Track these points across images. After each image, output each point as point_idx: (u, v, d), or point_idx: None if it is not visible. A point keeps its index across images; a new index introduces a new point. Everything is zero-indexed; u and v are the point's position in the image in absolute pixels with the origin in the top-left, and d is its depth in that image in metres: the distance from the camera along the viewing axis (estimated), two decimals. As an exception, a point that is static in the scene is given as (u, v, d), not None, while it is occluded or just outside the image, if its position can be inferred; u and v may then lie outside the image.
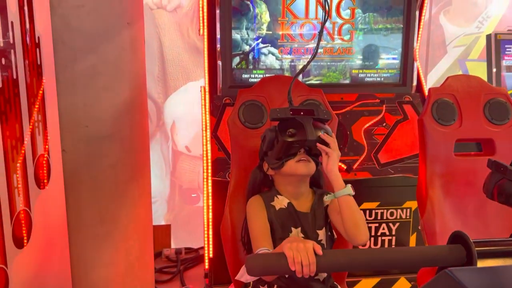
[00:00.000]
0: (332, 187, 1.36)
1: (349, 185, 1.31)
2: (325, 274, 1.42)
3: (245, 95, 1.73)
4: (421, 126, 1.76)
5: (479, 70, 3.00)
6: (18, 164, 1.40)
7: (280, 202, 1.43)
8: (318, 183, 1.51)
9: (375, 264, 0.98)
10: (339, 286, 1.47)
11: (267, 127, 1.65)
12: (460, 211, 1.71)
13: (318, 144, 1.34)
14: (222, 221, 1.58)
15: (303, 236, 1.40)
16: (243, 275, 1.35)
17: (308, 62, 1.60)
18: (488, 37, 2.76)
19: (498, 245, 0.86)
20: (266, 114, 1.71)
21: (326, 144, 1.35)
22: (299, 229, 1.41)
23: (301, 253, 0.98)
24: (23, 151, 1.43)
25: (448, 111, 1.76)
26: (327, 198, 1.41)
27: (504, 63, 2.71)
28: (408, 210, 2.21)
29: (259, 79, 2.01)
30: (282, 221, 1.40)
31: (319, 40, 1.56)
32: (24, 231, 1.44)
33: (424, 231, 1.72)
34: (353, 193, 1.31)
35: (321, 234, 1.41)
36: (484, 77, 2.69)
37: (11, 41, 1.36)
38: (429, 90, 1.82)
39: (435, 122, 1.75)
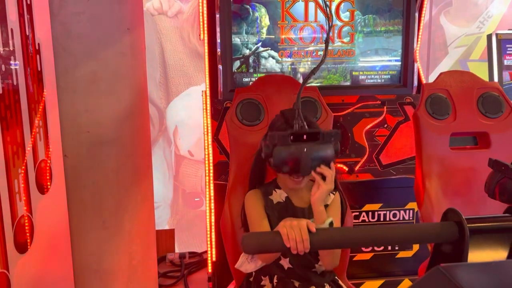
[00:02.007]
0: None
1: (327, 222, 1.29)
2: (322, 268, 1.44)
3: (242, 94, 1.78)
4: (416, 120, 1.79)
5: (481, 70, 2.99)
6: (19, 170, 1.41)
7: (278, 196, 1.46)
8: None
9: (369, 241, 1.00)
10: (340, 281, 1.47)
11: (264, 124, 1.70)
12: (457, 202, 1.73)
13: (313, 173, 1.30)
14: (222, 215, 1.62)
15: None
16: (242, 264, 1.36)
17: (315, 70, 1.54)
18: (489, 37, 2.75)
19: (491, 222, 0.88)
20: (263, 111, 1.75)
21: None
22: None
23: (294, 230, 1.02)
24: (24, 157, 1.44)
25: (442, 106, 1.80)
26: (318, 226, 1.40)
27: (505, 62, 2.70)
28: (411, 211, 2.20)
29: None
30: (280, 214, 1.42)
31: (326, 48, 1.50)
32: (26, 236, 1.45)
33: (422, 222, 1.75)
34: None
35: None
36: (486, 77, 2.68)
37: (12, 48, 1.37)
38: (423, 85, 1.85)
39: (430, 116, 1.78)
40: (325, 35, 2.28)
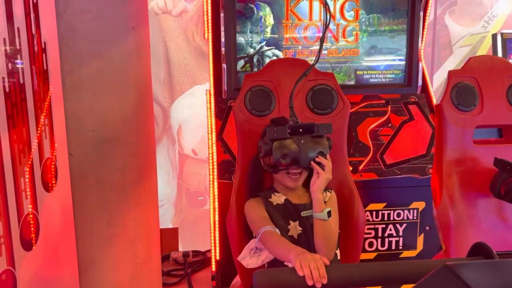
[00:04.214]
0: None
1: (326, 211, 1.34)
2: None
3: (251, 80, 1.65)
4: (440, 112, 1.66)
5: (486, 70, 2.99)
6: (25, 168, 1.41)
7: (278, 198, 1.48)
8: None
9: (391, 278, 0.92)
10: None
11: (275, 114, 1.63)
12: (478, 202, 1.65)
13: (312, 163, 1.36)
14: (228, 211, 1.58)
15: (301, 229, 1.44)
16: (244, 258, 1.37)
17: (312, 66, 1.61)
18: (494, 36, 2.74)
19: None
20: (274, 100, 1.64)
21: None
22: (297, 222, 1.45)
23: (308, 258, 1.03)
24: (30, 155, 1.45)
25: (468, 96, 1.65)
26: (304, 214, 1.44)
27: (510, 61, 2.69)
28: (415, 210, 2.20)
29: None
30: (282, 214, 1.46)
31: (321, 47, 1.57)
32: (32, 234, 1.45)
33: (439, 222, 1.66)
34: (327, 219, 1.35)
35: None
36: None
37: (18, 47, 1.38)
38: (449, 72, 1.70)
39: (455, 108, 1.65)
40: (329, 34, 2.28)
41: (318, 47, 2.27)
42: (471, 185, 1.64)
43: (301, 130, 1.37)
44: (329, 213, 1.34)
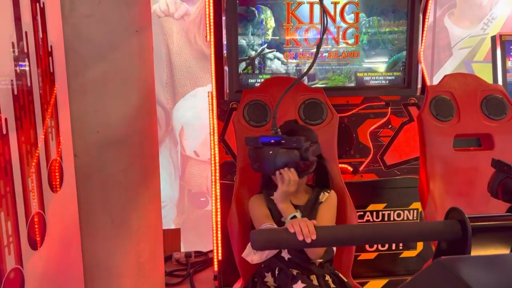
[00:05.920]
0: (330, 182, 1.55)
1: (290, 216, 1.41)
2: (321, 260, 1.50)
3: (249, 96, 1.84)
4: (420, 122, 1.83)
5: (485, 71, 3.01)
6: (32, 168, 1.44)
7: None
8: (323, 180, 1.60)
9: (371, 238, 1.04)
10: (340, 274, 1.52)
11: (270, 125, 1.74)
12: (460, 203, 1.74)
13: (276, 173, 1.44)
14: (229, 214, 1.66)
15: None
16: (248, 254, 1.42)
17: (303, 75, 1.74)
18: (493, 38, 2.76)
19: (493, 220, 0.89)
20: (269, 113, 1.81)
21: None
22: None
23: (298, 219, 1.17)
24: (37, 156, 1.48)
25: (446, 107, 1.84)
26: (283, 220, 1.49)
27: (509, 64, 2.71)
28: (415, 211, 2.22)
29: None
30: (280, 212, 1.51)
31: (317, 52, 1.63)
32: (38, 233, 1.48)
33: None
34: None
35: None
36: (490, 78, 2.70)
37: (25, 50, 1.41)
38: (427, 87, 1.90)
39: (434, 118, 1.82)
40: (330, 37, 2.31)
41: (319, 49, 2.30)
42: (453, 189, 1.77)
43: (272, 141, 1.45)
44: (292, 217, 1.39)
